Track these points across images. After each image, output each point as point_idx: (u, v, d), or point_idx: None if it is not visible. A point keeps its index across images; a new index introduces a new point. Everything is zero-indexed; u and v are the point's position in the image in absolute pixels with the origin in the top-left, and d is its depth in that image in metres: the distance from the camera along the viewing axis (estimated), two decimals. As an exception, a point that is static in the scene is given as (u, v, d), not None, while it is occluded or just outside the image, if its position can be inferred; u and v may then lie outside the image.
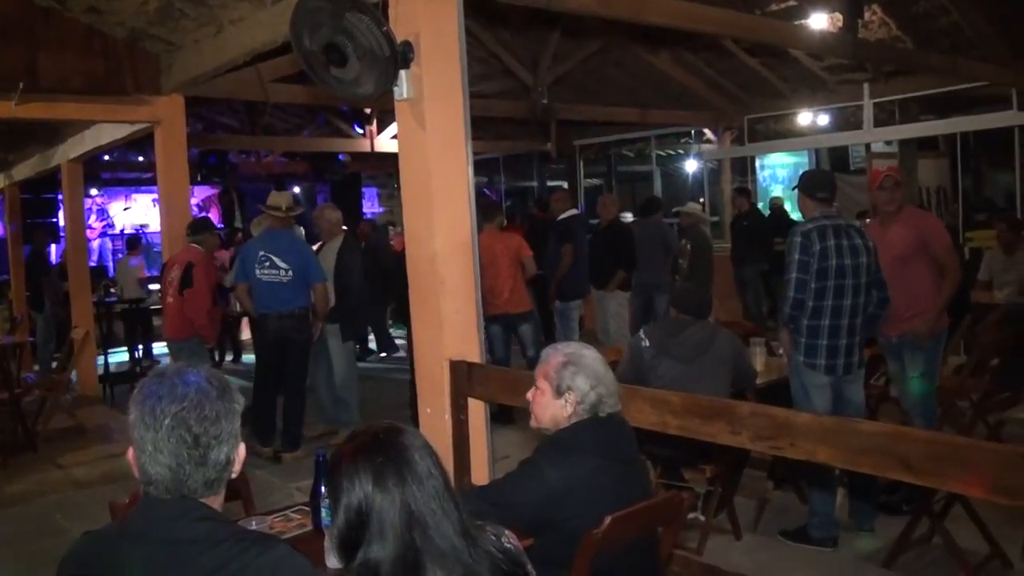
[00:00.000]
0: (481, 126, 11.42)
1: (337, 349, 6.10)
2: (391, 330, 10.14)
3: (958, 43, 7.81)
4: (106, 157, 11.52)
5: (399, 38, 3.05)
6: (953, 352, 5.87)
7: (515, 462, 2.35)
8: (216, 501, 1.55)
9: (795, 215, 9.37)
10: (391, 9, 3.17)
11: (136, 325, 9.34)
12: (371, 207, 16.76)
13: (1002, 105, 8.76)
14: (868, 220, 5.31)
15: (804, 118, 11.00)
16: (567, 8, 4.61)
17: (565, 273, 7.08)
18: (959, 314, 5.29)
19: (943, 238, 4.38)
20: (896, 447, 2.05)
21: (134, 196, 14.68)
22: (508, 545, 1.56)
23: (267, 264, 5.64)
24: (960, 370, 5.36)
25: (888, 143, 10.53)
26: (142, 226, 14.20)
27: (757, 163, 12.54)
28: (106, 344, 8.90)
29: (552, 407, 2.32)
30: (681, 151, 15.38)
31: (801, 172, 5.03)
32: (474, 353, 3.27)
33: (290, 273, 5.62)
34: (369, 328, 9.61)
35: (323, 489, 1.57)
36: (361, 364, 7.82)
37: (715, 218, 11.87)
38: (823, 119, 11.04)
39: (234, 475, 1.57)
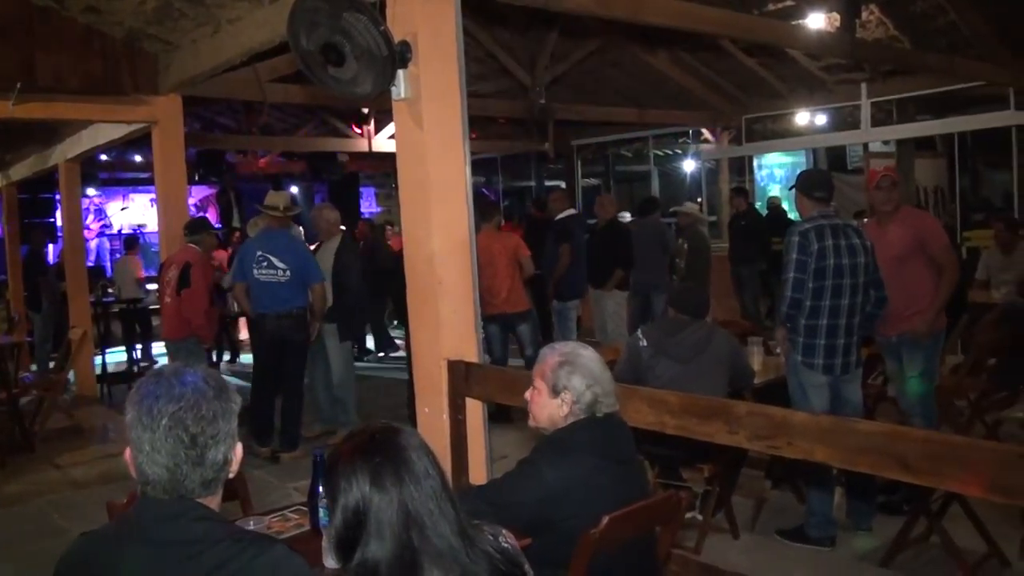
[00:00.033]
0: (479, 126, 11.42)
1: (335, 349, 6.10)
2: (391, 331, 10.13)
3: (955, 43, 7.82)
4: (104, 157, 11.48)
5: (397, 38, 3.04)
6: (950, 351, 5.88)
7: (513, 462, 2.35)
8: (214, 501, 1.55)
9: (793, 215, 9.35)
10: (389, 9, 3.16)
11: (134, 325, 9.33)
12: (369, 207, 16.74)
13: (999, 105, 8.76)
14: (866, 220, 5.31)
15: (802, 118, 11.02)
16: (565, 8, 4.61)
17: (563, 273, 7.08)
18: (956, 314, 5.29)
19: (941, 237, 4.39)
20: (894, 446, 2.05)
21: (132, 196, 14.63)
22: (506, 545, 1.56)
23: (265, 264, 5.63)
24: (957, 369, 5.37)
25: (886, 143, 10.56)
26: (140, 226, 14.16)
27: (755, 163, 12.57)
28: (104, 344, 8.90)
29: (549, 407, 2.33)
30: (679, 151, 15.39)
31: (799, 172, 5.04)
32: (472, 353, 3.27)
33: (288, 273, 5.61)
34: (367, 328, 9.60)
35: (321, 489, 1.56)
36: (359, 364, 7.82)
37: (713, 218, 11.85)
38: (821, 119, 11.05)
39: (232, 475, 1.57)
